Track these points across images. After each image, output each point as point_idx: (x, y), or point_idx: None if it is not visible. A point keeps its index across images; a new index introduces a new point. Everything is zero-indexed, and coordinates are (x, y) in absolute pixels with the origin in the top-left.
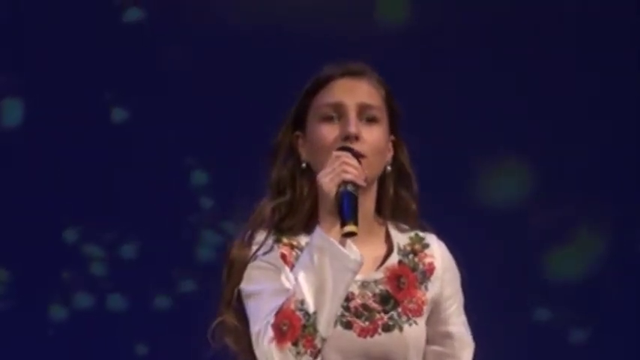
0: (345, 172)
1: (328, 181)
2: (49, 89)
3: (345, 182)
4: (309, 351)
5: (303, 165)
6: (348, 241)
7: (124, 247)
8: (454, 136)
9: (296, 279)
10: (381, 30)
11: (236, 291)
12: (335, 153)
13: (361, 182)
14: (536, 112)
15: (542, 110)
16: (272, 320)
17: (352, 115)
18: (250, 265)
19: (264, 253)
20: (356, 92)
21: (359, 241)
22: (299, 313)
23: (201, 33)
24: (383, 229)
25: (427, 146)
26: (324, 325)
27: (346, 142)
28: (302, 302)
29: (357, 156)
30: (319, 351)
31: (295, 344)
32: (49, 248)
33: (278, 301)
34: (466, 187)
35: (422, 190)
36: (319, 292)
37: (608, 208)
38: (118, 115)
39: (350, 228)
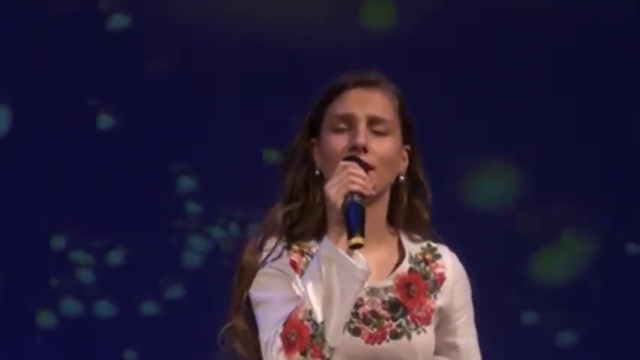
0: (352, 182)
1: (335, 191)
2: (36, 97)
3: (351, 193)
4: None
5: (317, 172)
6: (356, 251)
7: (111, 253)
8: (441, 136)
9: (304, 289)
10: (367, 34)
11: (245, 296)
12: (342, 163)
13: (368, 192)
14: (525, 113)
15: (531, 111)
16: (280, 330)
17: (362, 126)
18: (260, 272)
19: (274, 260)
20: (367, 104)
21: (369, 249)
22: (307, 323)
23: (187, 39)
24: (395, 238)
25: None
26: (333, 335)
27: (354, 153)
28: (310, 312)
29: (365, 167)
30: None
31: (304, 354)
32: (37, 255)
33: (286, 310)
34: (453, 188)
35: None
36: (327, 302)
37: (596, 210)
38: (104, 121)
39: (356, 240)
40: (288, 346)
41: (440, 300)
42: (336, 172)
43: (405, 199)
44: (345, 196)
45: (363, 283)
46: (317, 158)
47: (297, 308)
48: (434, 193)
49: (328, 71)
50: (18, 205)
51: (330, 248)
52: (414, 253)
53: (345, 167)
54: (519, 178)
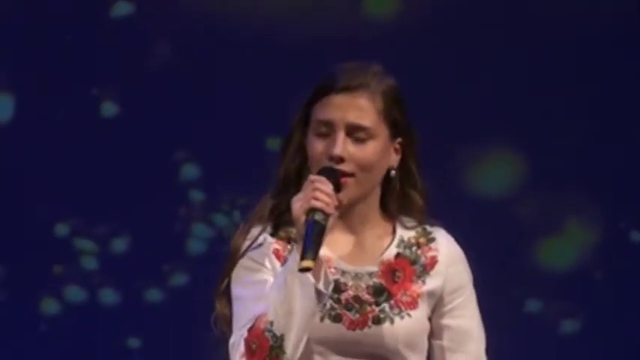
0: (315, 199)
1: (298, 207)
2: (39, 84)
3: (313, 209)
4: None
5: (309, 163)
6: (325, 268)
7: (115, 240)
8: (444, 124)
9: (270, 298)
10: (370, 22)
11: (226, 281)
12: (310, 177)
13: (330, 211)
14: (528, 101)
15: (534, 99)
16: (245, 335)
17: (340, 134)
18: (239, 263)
19: (254, 249)
20: (347, 111)
21: (357, 234)
22: (267, 335)
23: (191, 27)
24: (390, 224)
25: (417, 135)
26: (291, 348)
27: (332, 163)
28: (271, 324)
29: (341, 176)
30: None
31: None
32: (41, 242)
33: (257, 309)
34: (456, 176)
35: None
36: (288, 314)
37: (599, 198)
38: (108, 109)
39: (305, 264)
40: (249, 353)
41: (430, 284)
42: (304, 185)
43: (398, 188)
44: (307, 213)
45: (319, 302)
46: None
47: (260, 316)
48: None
49: (332, 59)
50: (21, 193)
51: (295, 262)
52: (406, 238)
53: (312, 182)
54: (523, 167)
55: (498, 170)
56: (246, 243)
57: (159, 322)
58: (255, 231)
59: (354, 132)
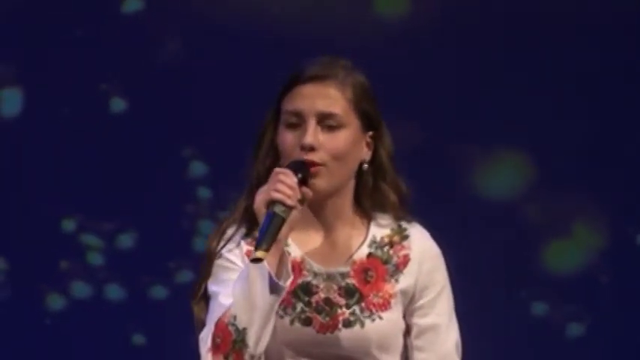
0: (276, 191)
1: (260, 199)
2: (48, 79)
3: (273, 201)
4: None
5: (281, 162)
6: (287, 262)
7: (121, 236)
8: (452, 126)
9: (234, 291)
10: (380, 22)
11: (204, 285)
12: (275, 170)
13: (291, 203)
14: (536, 103)
15: (542, 101)
16: (213, 330)
17: (311, 124)
18: (215, 263)
19: (230, 250)
20: (317, 100)
21: (329, 234)
22: (231, 328)
23: (201, 24)
24: (364, 222)
25: (425, 136)
26: (254, 342)
27: (302, 153)
28: (234, 317)
29: (312, 166)
30: None
31: (226, 358)
32: (47, 237)
33: (229, 305)
34: (463, 179)
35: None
36: (250, 309)
37: (607, 201)
38: (117, 105)
39: (257, 254)
40: (215, 347)
41: (403, 282)
42: (269, 179)
43: (370, 183)
44: (267, 204)
45: (279, 297)
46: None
47: (226, 311)
48: (445, 183)
49: (341, 58)
50: (28, 188)
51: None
52: (379, 237)
53: (276, 174)
54: (531, 170)
55: (506, 173)
56: (221, 244)
57: (164, 318)
58: (230, 231)
59: (325, 120)
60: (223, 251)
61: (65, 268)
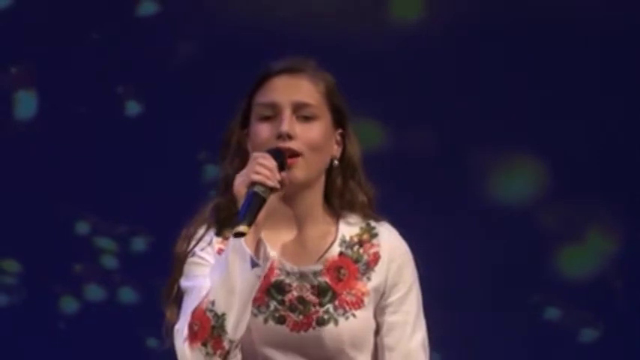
0: (256, 172)
1: (240, 182)
2: (63, 82)
3: (253, 183)
4: (217, 352)
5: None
6: (266, 244)
7: (135, 240)
8: (467, 132)
9: (211, 278)
10: (395, 27)
11: (176, 286)
12: (254, 154)
13: (271, 184)
14: (550, 109)
15: (556, 107)
16: (189, 319)
17: (287, 113)
18: (187, 261)
19: (202, 249)
20: (291, 90)
21: (300, 232)
22: (209, 314)
23: (215, 27)
24: (333, 221)
25: (440, 142)
26: (233, 327)
27: (279, 142)
28: (213, 303)
29: (290, 155)
30: (228, 352)
31: (205, 345)
32: (61, 241)
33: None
34: (478, 184)
35: (435, 186)
36: (229, 293)
37: (620, 207)
38: (132, 108)
39: (240, 228)
40: (192, 335)
41: (374, 280)
42: (248, 163)
43: (340, 182)
44: (248, 186)
45: (259, 278)
46: (249, 148)
47: (203, 298)
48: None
49: (356, 63)
50: (43, 191)
51: (236, 240)
52: (348, 236)
53: (255, 158)
54: (545, 175)
55: (520, 178)
56: (192, 243)
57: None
58: (200, 231)
59: (300, 109)
60: (196, 249)
61: (79, 271)
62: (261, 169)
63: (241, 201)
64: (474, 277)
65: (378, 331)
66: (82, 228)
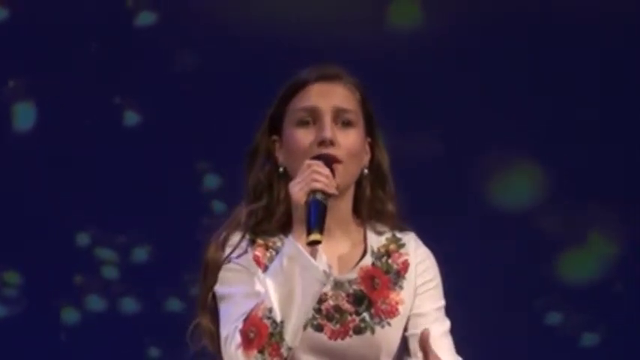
0: (315, 180)
1: (298, 190)
2: (61, 93)
3: (314, 191)
4: (275, 359)
5: (280, 170)
6: (319, 251)
7: (136, 250)
8: (468, 137)
9: (266, 286)
10: (394, 34)
11: (211, 293)
12: (307, 162)
13: (331, 191)
14: (551, 113)
15: (557, 111)
16: (240, 326)
17: (327, 119)
18: (224, 268)
19: (238, 256)
20: (331, 96)
21: (335, 242)
22: (266, 321)
23: (213, 37)
24: (361, 231)
25: (440, 147)
26: (291, 335)
27: (321, 148)
28: (270, 310)
29: (334, 161)
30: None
31: (261, 352)
32: (62, 251)
33: (248, 305)
34: (479, 188)
35: (437, 190)
36: (287, 300)
37: (621, 211)
38: (130, 118)
39: (314, 237)
40: (247, 342)
41: (406, 288)
42: (300, 171)
43: (369, 191)
44: (308, 195)
45: (323, 284)
46: (279, 155)
47: (257, 305)
48: (460, 193)
49: (355, 70)
50: (43, 202)
51: (294, 247)
52: (376, 247)
53: (309, 165)
54: (546, 179)
55: (521, 182)
56: (228, 250)
57: (179, 331)
58: (234, 238)
59: (340, 115)
60: (232, 256)
61: (80, 282)
62: (319, 176)
63: (301, 209)
64: (475, 281)
65: (410, 325)
66: (83, 239)
